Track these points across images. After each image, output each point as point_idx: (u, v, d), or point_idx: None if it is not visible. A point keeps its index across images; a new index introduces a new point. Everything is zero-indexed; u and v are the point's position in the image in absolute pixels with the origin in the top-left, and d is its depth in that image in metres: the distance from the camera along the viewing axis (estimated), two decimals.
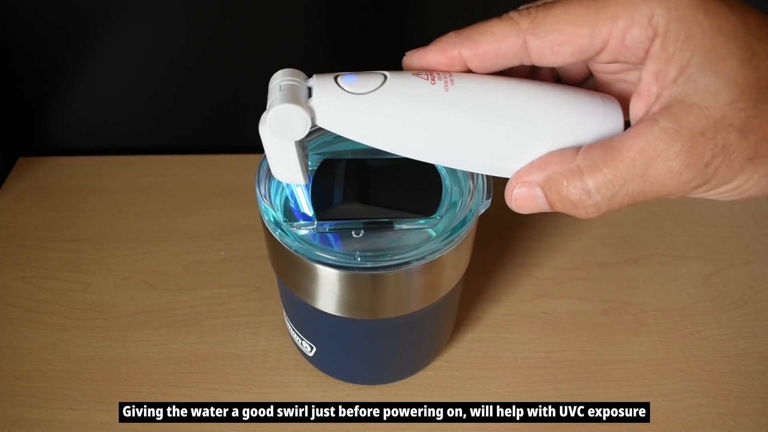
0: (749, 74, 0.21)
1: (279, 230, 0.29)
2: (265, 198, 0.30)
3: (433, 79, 0.24)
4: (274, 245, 0.31)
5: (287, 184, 0.30)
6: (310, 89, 0.25)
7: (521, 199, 0.25)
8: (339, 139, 0.35)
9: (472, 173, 0.32)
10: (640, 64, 0.23)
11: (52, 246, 0.47)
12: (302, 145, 0.27)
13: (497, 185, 0.31)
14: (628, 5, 0.22)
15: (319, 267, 0.29)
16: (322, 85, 0.25)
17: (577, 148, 0.24)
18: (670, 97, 0.22)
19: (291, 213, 0.31)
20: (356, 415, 0.37)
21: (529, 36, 0.23)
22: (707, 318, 0.42)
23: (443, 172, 0.33)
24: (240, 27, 0.48)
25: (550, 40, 0.23)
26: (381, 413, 0.37)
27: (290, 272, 0.31)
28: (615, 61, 0.23)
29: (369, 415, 0.37)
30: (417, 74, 0.25)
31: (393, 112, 0.24)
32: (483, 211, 0.30)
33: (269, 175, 0.31)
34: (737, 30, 0.21)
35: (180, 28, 0.48)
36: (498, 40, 0.24)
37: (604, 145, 0.23)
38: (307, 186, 0.30)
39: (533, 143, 0.25)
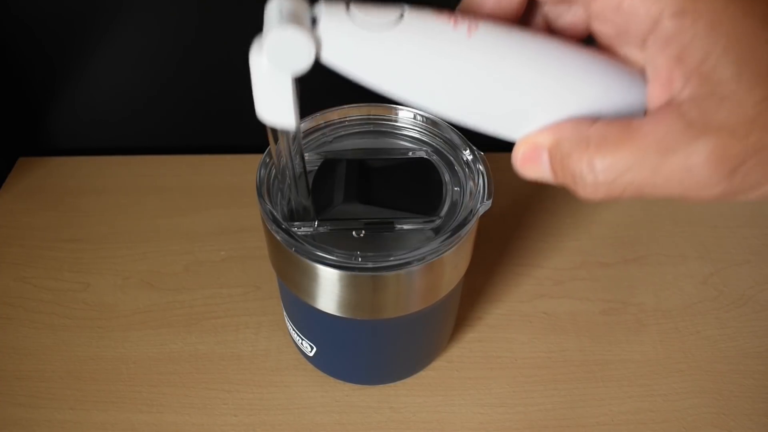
0: None
1: (279, 230, 0.29)
2: (266, 198, 0.30)
3: (455, 22, 0.22)
4: (274, 245, 0.31)
5: (287, 184, 0.30)
6: (314, 19, 0.22)
7: (527, 161, 0.23)
8: (339, 138, 0.35)
9: (472, 174, 0.32)
10: (641, 42, 0.21)
11: (52, 246, 0.47)
12: (297, 84, 0.24)
13: (498, 186, 0.31)
14: None
15: (320, 267, 0.29)
16: (330, 14, 0.22)
17: (595, 119, 0.22)
18: (698, 86, 0.19)
19: (291, 213, 0.31)
20: (356, 415, 0.37)
21: None
22: (707, 318, 0.42)
23: (444, 172, 0.33)
24: (240, 27, 0.48)
25: None
26: (381, 413, 0.37)
27: (291, 272, 0.31)
28: (606, 21, 0.21)
29: (369, 415, 0.37)
30: (438, 13, 0.22)
31: (406, 54, 0.22)
32: (483, 211, 0.30)
33: (270, 175, 0.31)
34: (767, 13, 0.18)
35: (180, 27, 0.48)
36: None
37: (621, 123, 0.21)
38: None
39: (551, 106, 0.23)
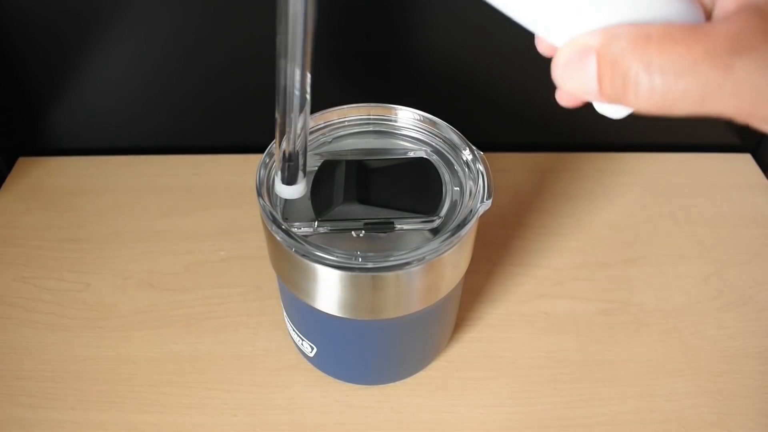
0: None
1: (279, 230, 0.29)
2: (266, 198, 0.30)
3: None
4: (274, 245, 0.31)
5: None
6: None
7: (569, 65, 0.20)
8: (338, 138, 0.35)
9: (472, 174, 0.32)
10: None
11: (52, 246, 0.47)
12: None
13: (497, 186, 0.31)
14: None
15: (320, 267, 0.29)
16: None
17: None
18: None
19: (291, 213, 0.31)
20: (356, 415, 0.37)
21: None
22: (707, 318, 0.42)
23: (444, 172, 0.33)
24: (240, 27, 0.48)
25: None
26: (381, 413, 0.37)
27: (290, 272, 0.31)
28: None
29: (369, 415, 0.37)
30: None
31: None
32: (483, 211, 0.30)
33: (269, 175, 0.31)
34: None
35: (180, 28, 0.48)
36: None
37: (687, 24, 0.18)
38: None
39: (606, 3, 0.19)
